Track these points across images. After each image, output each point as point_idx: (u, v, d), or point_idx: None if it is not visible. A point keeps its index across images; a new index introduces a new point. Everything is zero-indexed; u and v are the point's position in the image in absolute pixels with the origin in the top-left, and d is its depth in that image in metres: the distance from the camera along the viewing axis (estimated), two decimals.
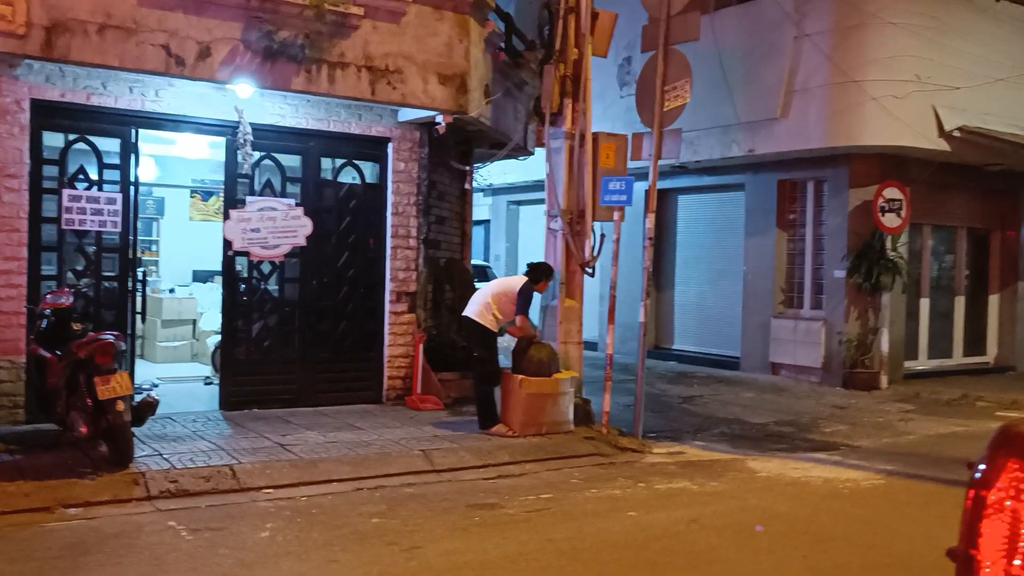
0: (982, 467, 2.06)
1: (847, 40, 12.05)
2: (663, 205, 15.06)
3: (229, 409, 8.67)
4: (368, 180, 9.55)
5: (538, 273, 8.42)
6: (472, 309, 8.31)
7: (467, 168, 11.21)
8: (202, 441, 7.31)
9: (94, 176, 8.11)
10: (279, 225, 8.85)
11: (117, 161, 8.21)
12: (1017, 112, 12.93)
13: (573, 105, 8.97)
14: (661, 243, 15.39)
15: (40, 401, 6.98)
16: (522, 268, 8.73)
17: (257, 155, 8.81)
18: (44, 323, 6.91)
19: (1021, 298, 15.18)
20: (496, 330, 8.34)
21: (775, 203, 13.94)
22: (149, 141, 9.20)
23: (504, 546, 5.26)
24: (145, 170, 10.39)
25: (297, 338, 9.20)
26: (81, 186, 8.02)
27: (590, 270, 8.96)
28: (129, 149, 8.22)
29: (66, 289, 7.30)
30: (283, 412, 8.71)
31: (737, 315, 14.46)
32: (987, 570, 2.00)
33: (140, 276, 8.75)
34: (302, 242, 8.98)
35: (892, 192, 12.51)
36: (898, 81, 11.79)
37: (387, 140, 9.46)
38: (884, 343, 12.70)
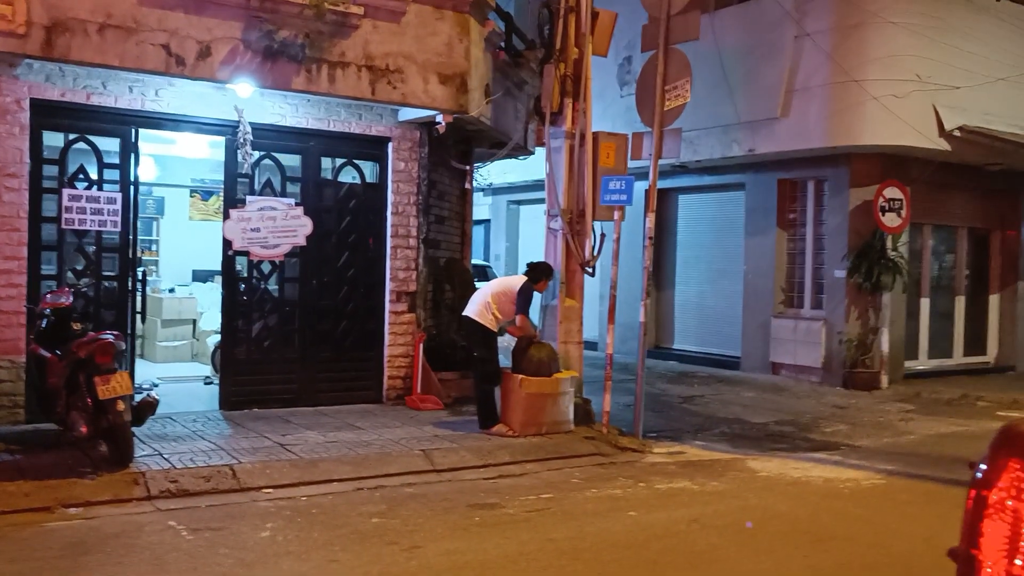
0: (983, 467, 2.06)
1: (848, 39, 12.04)
2: (663, 205, 15.05)
3: (229, 409, 8.67)
4: (368, 180, 9.55)
5: (538, 272, 8.41)
6: (472, 309, 8.31)
7: (467, 168, 11.21)
8: (202, 441, 7.31)
9: (94, 176, 8.11)
10: (279, 225, 8.85)
11: (117, 161, 8.21)
12: (1018, 112, 12.92)
13: (573, 104, 8.97)
14: (661, 243, 15.38)
15: (40, 401, 6.98)
16: (522, 268, 8.73)
17: (257, 155, 8.80)
18: (44, 323, 6.90)
19: (1021, 298, 15.18)
20: (496, 330, 8.33)
21: (775, 202, 13.93)
22: (149, 141, 9.20)
23: (504, 546, 5.26)
24: (145, 170, 10.39)
25: (297, 338, 9.19)
26: (81, 186, 8.02)
27: (590, 270, 8.96)
28: (129, 149, 8.22)
29: (66, 289, 7.29)
30: (283, 412, 8.71)
31: (737, 315, 14.46)
32: (988, 570, 1.99)
33: (140, 276, 8.75)
34: (302, 242, 8.97)
35: (892, 192, 12.50)
36: (899, 80, 11.78)
37: (387, 140, 9.45)
38: (884, 343, 12.70)
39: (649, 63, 8.98)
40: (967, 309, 15.05)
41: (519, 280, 8.38)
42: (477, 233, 18.92)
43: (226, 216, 8.73)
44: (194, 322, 12.02)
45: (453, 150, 10.61)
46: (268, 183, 9.00)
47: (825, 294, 13.25)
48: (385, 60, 8.37)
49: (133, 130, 8.20)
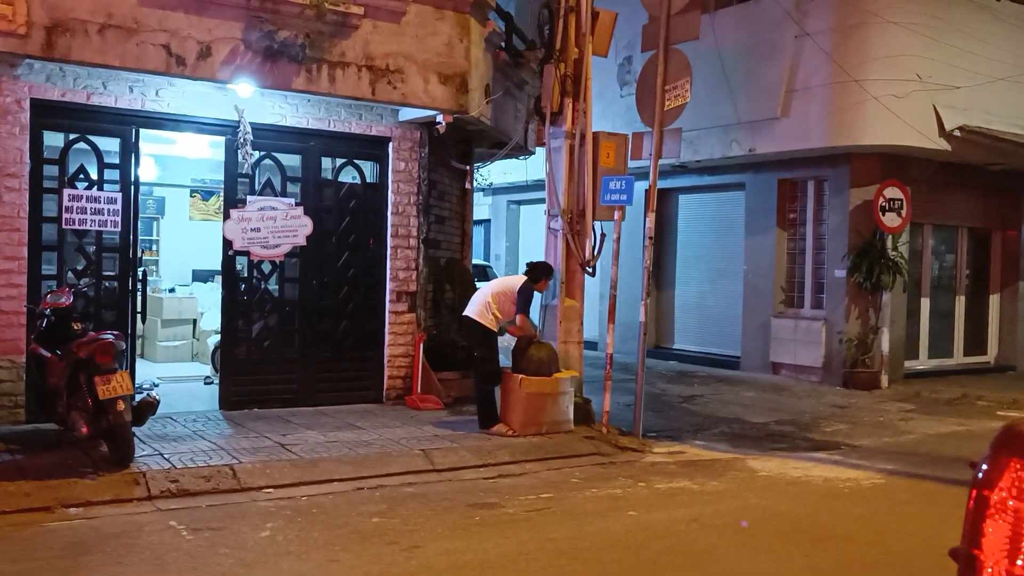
0: (985, 467, 2.05)
1: (848, 39, 12.04)
2: (663, 204, 15.04)
3: (229, 409, 8.67)
4: (368, 180, 9.55)
5: (538, 272, 8.42)
6: (472, 309, 8.31)
7: (467, 167, 11.21)
8: (202, 441, 7.31)
9: (94, 176, 8.11)
10: (279, 225, 8.85)
11: (117, 161, 8.21)
12: (1018, 111, 12.92)
13: (573, 104, 8.97)
14: (661, 242, 15.38)
15: (41, 401, 6.98)
16: (522, 268, 8.73)
17: (257, 155, 8.80)
18: (44, 323, 6.91)
19: (1022, 298, 15.17)
20: (496, 329, 8.33)
21: (775, 202, 13.93)
22: (149, 141, 9.20)
23: (504, 545, 5.26)
24: (145, 170, 10.40)
25: (297, 338, 9.19)
26: (81, 186, 8.02)
27: (590, 269, 8.96)
28: (129, 149, 8.22)
29: (66, 289, 7.29)
30: (283, 412, 8.71)
31: (737, 314, 14.45)
32: (990, 570, 1.99)
33: (140, 276, 8.75)
34: (302, 242, 8.97)
35: (893, 191, 12.50)
36: (899, 80, 11.78)
37: (387, 140, 9.45)
38: (884, 342, 12.70)
39: (649, 63, 8.98)
40: (967, 309, 15.05)
41: (519, 280, 8.38)
42: (477, 233, 18.92)
43: (226, 216, 8.73)
44: (194, 322, 12.02)
45: (453, 150, 10.61)
46: (268, 183, 9.00)
47: (825, 294, 13.25)
48: (385, 60, 8.37)
49: (133, 130, 8.20)
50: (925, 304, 14.36)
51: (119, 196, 8.13)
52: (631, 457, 7.96)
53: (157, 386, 9.52)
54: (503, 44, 9.82)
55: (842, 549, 5.47)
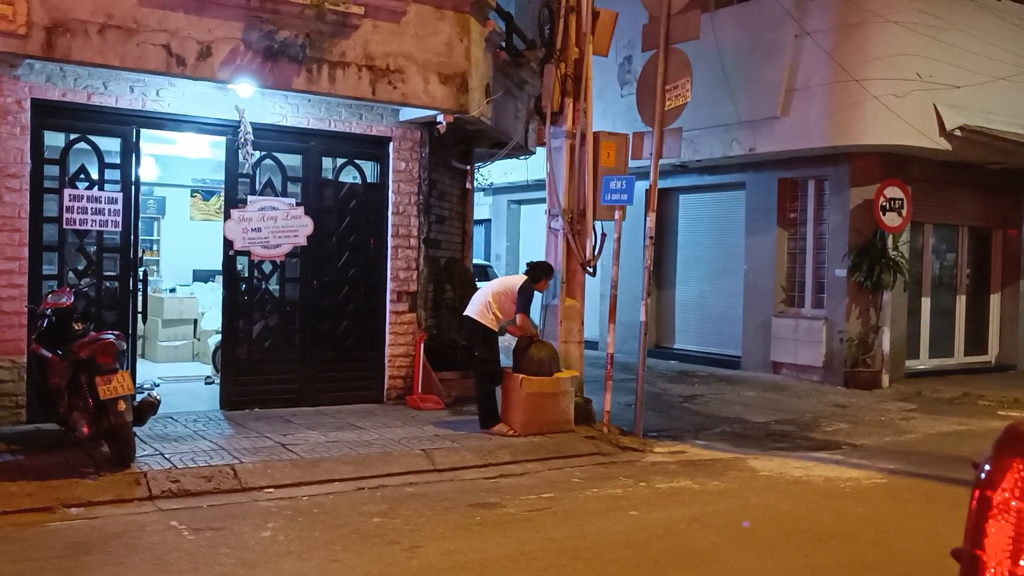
0: (987, 467, 2.05)
1: (848, 38, 12.04)
2: (664, 204, 15.04)
3: (230, 409, 8.67)
4: (369, 180, 9.55)
5: (538, 272, 8.42)
6: (473, 308, 8.31)
7: (468, 167, 11.21)
8: (203, 441, 7.31)
9: (95, 176, 8.11)
10: (280, 225, 8.85)
11: (118, 161, 8.21)
12: (1019, 111, 12.92)
13: (574, 104, 8.97)
14: (662, 242, 15.38)
15: (42, 401, 6.99)
16: (523, 267, 8.73)
17: (258, 155, 8.80)
18: (45, 323, 6.91)
19: (1022, 297, 15.17)
20: (497, 329, 8.34)
21: (776, 202, 13.93)
22: (150, 141, 9.20)
23: (505, 545, 5.26)
24: (146, 170, 10.40)
25: (298, 338, 9.20)
26: (82, 186, 8.02)
27: (591, 269, 8.96)
28: (130, 149, 8.22)
29: (67, 289, 7.29)
30: (284, 412, 8.71)
31: (738, 314, 14.45)
32: (992, 571, 1.99)
33: (141, 276, 8.75)
34: (303, 242, 8.97)
35: (893, 191, 12.50)
36: (899, 80, 11.77)
37: (388, 139, 9.45)
38: (885, 342, 12.70)
39: (650, 63, 8.98)
40: (968, 308, 15.05)
41: (519, 280, 8.39)
42: (478, 233, 18.92)
43: (227, 216, 8.73)
44: (195, 322, 12.02)
45: (454, 150, 10.60)
46: (269, 183, 9.00)
47: (826, 293, 13.25)
48: (386, 60, 8.37)
49: (134, 130, 8.20)
50: (926, 303, 14.36)
51: (120, 196, 8.13)
52: (632, 457, 7.96)
53: (158, 386, 9.53)
54: (503, 44, 9.82)
55: (843, 549, 5.47)
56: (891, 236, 12.64)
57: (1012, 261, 15.19)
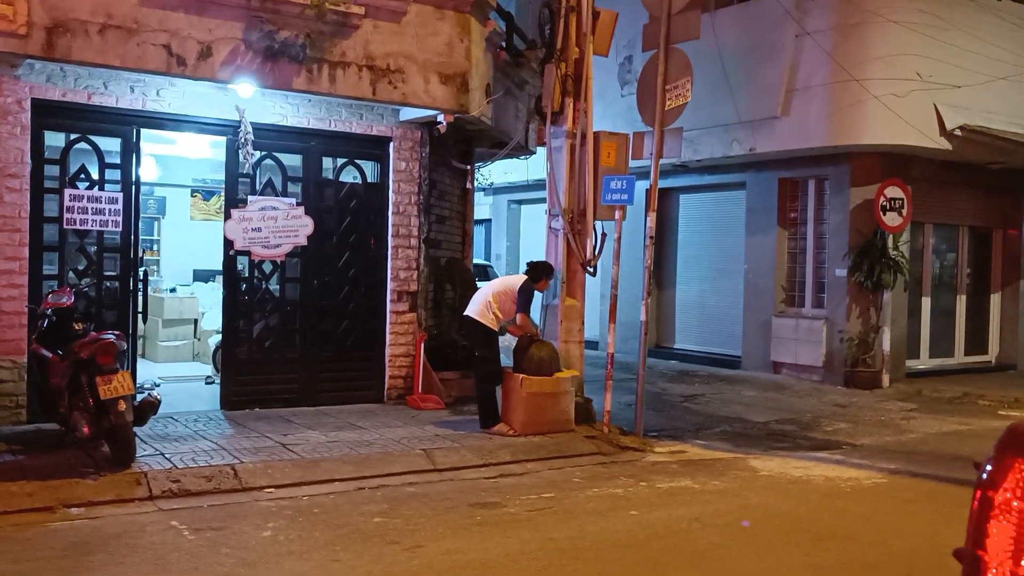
0: (989, 468, 2.05)
1: (848, 38, 12.04)
2: (664, 204, 15.04)
3: (230, 409, 8.67)
4: (369, 179, 9.55)
5: (538, 272, 8.42)
6: (473, 308, 8.31)
7: (468, 167, 11.21)
8: (204, 441, 7.31)
9: (95, 176, 8.11)
10: (280, 224, 8.85)
11: (118, 161, 8.21)
12: (1019, 110, 12.92)
13: (574, 104, 8.97)
14: (662, 242, 15.38)
15: (42, 401, 6.99)
16: (523, 267, 8.73)
17: (258, 154, 8.80)
18: (46, 323, 6.91)
19: (1022, 297, 15.17)
20: (497, 329, 8.34)
21: (776, 201, 13.93)
22: (150, 141, 9.20)
23: (506, 545, 5.26)
24: (146, 170, 10.40)
25: (298, 338, 9.20)
26: (82, 186, 8.02)
27: (591, 269, 8.96)
28: (130, 149, 8.22)
29: (67, 289, 7.29)
30: (285, 412, 8.71)
31: (738, 314, 14.45)
32: (994, 571, 1.99)
33: (141, 276, 8.75)
34: (303, 241, 8.97)
35: (893, 191, 12.50)
36: (899, 80, 11.77)
37: (388, 139, 9.45)
38: (886, 341, 12.70)
39: (650, 63, 8.98)
40: (968, 308, 15.05)
41: (520, 279, 8.39)
42: (478, 233, 18.92)
43: (227, 216, 8.73)
44: (195, 322, 12.02)
45: (454, 150, 10.60)
46: (269, 183, 9.00)
47: (826, 293, 13.25)
48: (386, 60, 8.37)
49: (134, 130, 8.20)
50: (926, 303, 14.36)
51: (120, 196, 8.13)
52: (632, 456, 7.96)
53: (158, 386, 9.53)
54: (504, 44, 9.82)
55: (843, 548, 5.47)
56: (891, 236, 12.64)
57: (1012, 261, 15.19)
